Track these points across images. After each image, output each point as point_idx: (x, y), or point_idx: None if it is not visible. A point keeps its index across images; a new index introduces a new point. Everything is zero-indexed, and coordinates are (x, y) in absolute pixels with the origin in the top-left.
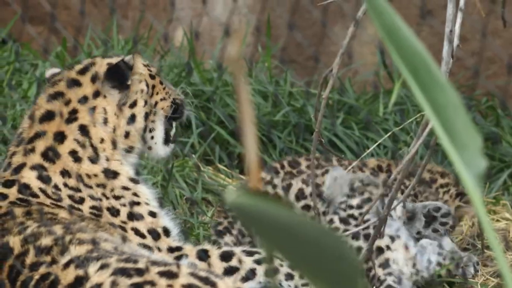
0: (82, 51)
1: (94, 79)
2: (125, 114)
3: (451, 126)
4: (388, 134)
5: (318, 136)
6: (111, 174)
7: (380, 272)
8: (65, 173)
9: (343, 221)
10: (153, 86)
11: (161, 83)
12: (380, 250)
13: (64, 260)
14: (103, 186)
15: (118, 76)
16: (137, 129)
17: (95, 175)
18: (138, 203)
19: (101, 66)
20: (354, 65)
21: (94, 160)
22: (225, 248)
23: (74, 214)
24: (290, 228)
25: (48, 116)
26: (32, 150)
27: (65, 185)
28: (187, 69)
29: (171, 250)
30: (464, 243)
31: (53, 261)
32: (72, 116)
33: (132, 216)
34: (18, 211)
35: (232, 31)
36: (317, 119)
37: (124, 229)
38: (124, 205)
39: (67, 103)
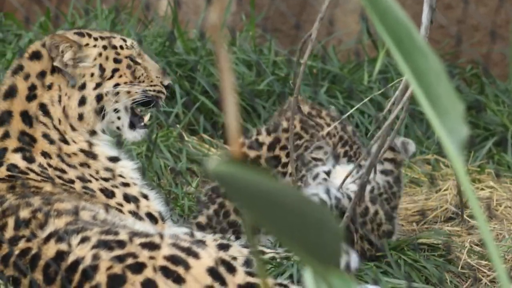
0: (66, 21)
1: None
2: (75, 96)
3: (433, 92)
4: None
5: (296, 101)
6: (90, 154)
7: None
8: (46, 154)
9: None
10: (115, 70)
11: (128, 67)
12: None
13: (44, 234)
14: (87, 166)
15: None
16: (88, 110)
17: (75, 154)
18: (127, 184)
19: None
20: (338, 33)
21: (65, 141)
22: (222, 241)
23: (60, 187)
24: (272, 196)
25: (11, 93)
26: (7, 134)
27: (49, 165)
28: (170, 38)
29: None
30: (448, 213)
31: (33, 235)
32: (32, 93)
33: (127, 198)
34: (2, 186)
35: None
36: (295, 85)
37: (120, 211)
38: (116, 186)
39: (27, 77)
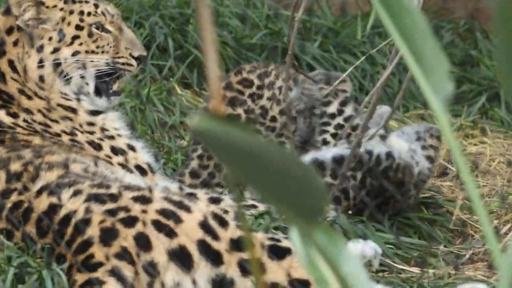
0: None
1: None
2: (33, 57)
3: (418, 51)
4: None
5: (292, 58)
6: (69, 108)
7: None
8: (27, 110)
9: (335, 136)
10: (76, 37)
11: (90, 35)
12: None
13: (36, 187)
14: (69, 119)
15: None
16: (47, 73)
17: (54, 109)
18: (112, 137)
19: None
20: None
21: (39, 96)
22: (213, 194)
23: (49, 140)
24: (254, 153)
25: None
26: None
27: (34, 120)
28: None
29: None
30: (441, 168)
31: (25, 188)
32: (2, 48)
33: (115, 150)
34: None
35: None
36: (289, 42)
37: (110, 163)
38: (102, 139)
39: None
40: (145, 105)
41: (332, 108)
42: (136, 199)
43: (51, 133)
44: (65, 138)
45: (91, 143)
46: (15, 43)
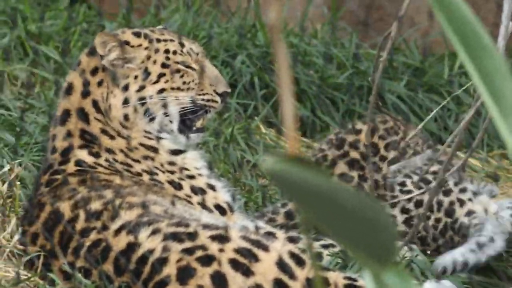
0: (148, 13)
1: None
2: (118, 96)
3: (498, 93)
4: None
5: (376, 98)
6: (151, 148)
7: (465, 219)
8: (109, 150)
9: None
10: (162, 75)
11: (177, 71)
12: (462, 202)
13: (115, 225)
14: (151, 159)
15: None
16: (132, 112)
17: (136, 148)
18: (193, 177)
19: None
20: (421, 26)
21: (122, 136)
22: (292, 234)
23: (129, 179)
24: (328, 196)
25: (69, 90)
26: (70, 133)
27: (115, 160)
28: (252, 30)
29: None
30: None
31: (104, 227)
32: (86, 90)
33: (195, 190)
34: (73, 180)
35: None
36: (373, 82)
37: (189, 202)
38: (182, 179)
39: (82, 73)
40: (228, 144)
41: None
42: (213, 238)
43: (132, 173)
44: (146, 178)
45: (171, 182)
46: (100, 84)
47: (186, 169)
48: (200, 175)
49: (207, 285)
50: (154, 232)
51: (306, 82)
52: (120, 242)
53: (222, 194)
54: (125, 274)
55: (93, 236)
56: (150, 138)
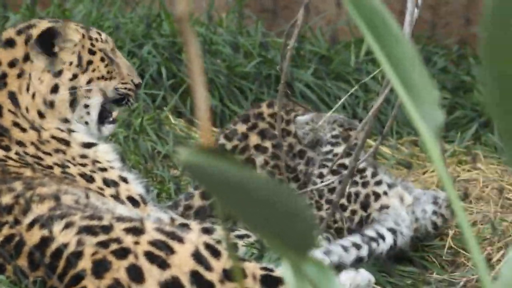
0: (52, 3)
1: (27, 41)
2: (48, 82)
3: (408, 80)
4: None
5: (284, 87)
6: (62, 141)
7: (377, 215)
8: (20, 143)
9: (335, 173)
10: (90, 62)
11: (102, 60)
12: (377, 196)
13: (27, 220)
14: (62, 152)
15: (48, 42)
16: (60, 100)
17: (47, 141)
18: (104, 169)
19: (37, 30)
20: (326, 13)
21: (35, 128)
22: (206, 225)
23: (40, 172)
24: (243, 186)
25: None
26: None
27: (26, 153)
28: (158, 20)
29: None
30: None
31: (16, 221)
32: (2, 81)
33: (107, 182)
34: None
35: None
36: (282, 71)
37: (102, 195)
38: (94, 171)
39: None
40: (138, 135)
41: (339, 150)
42: (128, 231)
43: (43, 166)
44: (57, 171)
45: (83, 175)
46: (20, 75)
47: (98, 161)
48: (112, 167)
49: (123, 278)
50: (68, 225)
51: (214, 72)
52: (33, 237)
53: (134, 186)
54: (39, 268)
55: (6, 231)
56: (62, 131)
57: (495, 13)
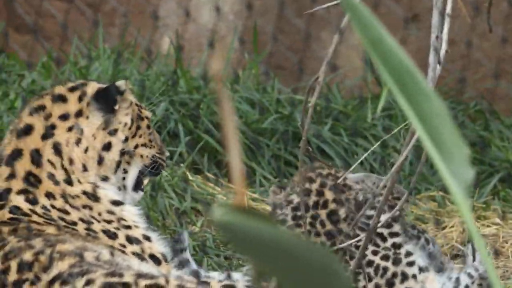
0: (68, 61)
1: (81, 98)
2: (102, 139)
3: (437, 136)
4: (378, 143)
5: (306, 144)
6: (92, 197)
7: None
8: (50, 195)
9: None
10: (138, 127)
11: (148, 127)
12: (405, 277)
13: (48, 277)
14: (89, 208)
15: (107, 99)
16: (110, 159)
17: (77, 196)
18: (129, 227)
19: (93, 88)
20: (342, 70)
21: (69, 182)
22: (227, 282)
23: (63, 229)
24: (278, 246)
25: (26, 131)
26: (13, 175)
27: (53, 206)
28: (173, 77)
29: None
30: (454, 250)
31: (37, 278)
32: (49, 132)
33: (130, 240)
34: (5, 229)
35: (218, 38)
36: (303, 127)
37: (123, 252)
38: (118, 228)
39: (47, 117)
40: (156, 192)
41: (383, 217)
42: (149, 287)
43: (67, 221)
44: (81, 227)
45: (106, 231)
46: (70, 129)
47: (124, 219)
48: (137, 226)
49: None
50: (88, 282)
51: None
52: None
53: (157, 245)
54: None
55: (26, 287)
56: (96, 186)
57: None
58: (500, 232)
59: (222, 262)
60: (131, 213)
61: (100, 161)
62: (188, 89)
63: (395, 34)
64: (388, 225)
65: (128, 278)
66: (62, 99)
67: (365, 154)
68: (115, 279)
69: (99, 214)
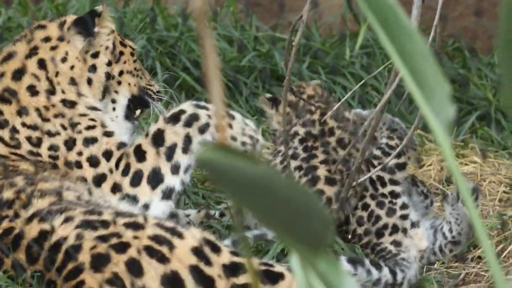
0: None
1: (61, 25)
2: (86, 61)
3: (419, 74)
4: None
5: (288, 83)
6: (69, 103)
7: (392, 247)
8: (22, 111)
9: (397, 166)
10: (121, 53)
11: (132, 54)
12: (395, 229)
13: (27, 214)
14: (61, 115)
15: (85, 23)
16: (97, 80)
17: (53, 106)
18: (93, 127)
19: (71, 17)
20: (320, 7)
21: (51, 91)
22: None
23: (36, 165)
24: (258, 183)
25: (8, 57)
26: None
27: (23, 124)
28: (151, 15)
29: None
30: (432, 188)
31: (16, 215)
32: (33, 52)
33: (87, 142)
34: None
35: None
36: (286, 66)
37: (79, 164)
38: (80, 131)
39: (30, 41)
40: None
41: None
42: (128, 225)
43: (33, 141)
44: (44, 147)
45: (67, 142)
46: (54, 48)
47: (94, 120)
48: (103, 126)
49: (122, 272)
50: (67, 219)
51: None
52: (32, 230)
53: (117, 137)
54: (38, 262)
55: (5, 224)
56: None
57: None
58: (478, 170)
59: (199, 200)
60: (106, 118)
61: (90, 81)
62: (166, 27)
63: None
64: (390, 171)
65: (107, 216)
66: (43, 27)
67: (348, 94)
68: (94, 217)
69: (70, 119)
